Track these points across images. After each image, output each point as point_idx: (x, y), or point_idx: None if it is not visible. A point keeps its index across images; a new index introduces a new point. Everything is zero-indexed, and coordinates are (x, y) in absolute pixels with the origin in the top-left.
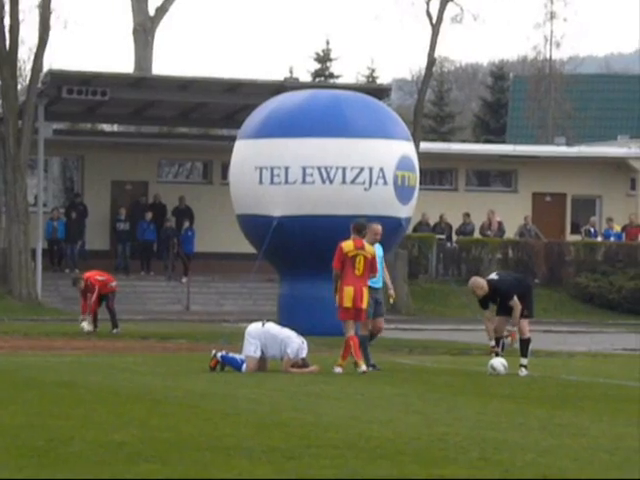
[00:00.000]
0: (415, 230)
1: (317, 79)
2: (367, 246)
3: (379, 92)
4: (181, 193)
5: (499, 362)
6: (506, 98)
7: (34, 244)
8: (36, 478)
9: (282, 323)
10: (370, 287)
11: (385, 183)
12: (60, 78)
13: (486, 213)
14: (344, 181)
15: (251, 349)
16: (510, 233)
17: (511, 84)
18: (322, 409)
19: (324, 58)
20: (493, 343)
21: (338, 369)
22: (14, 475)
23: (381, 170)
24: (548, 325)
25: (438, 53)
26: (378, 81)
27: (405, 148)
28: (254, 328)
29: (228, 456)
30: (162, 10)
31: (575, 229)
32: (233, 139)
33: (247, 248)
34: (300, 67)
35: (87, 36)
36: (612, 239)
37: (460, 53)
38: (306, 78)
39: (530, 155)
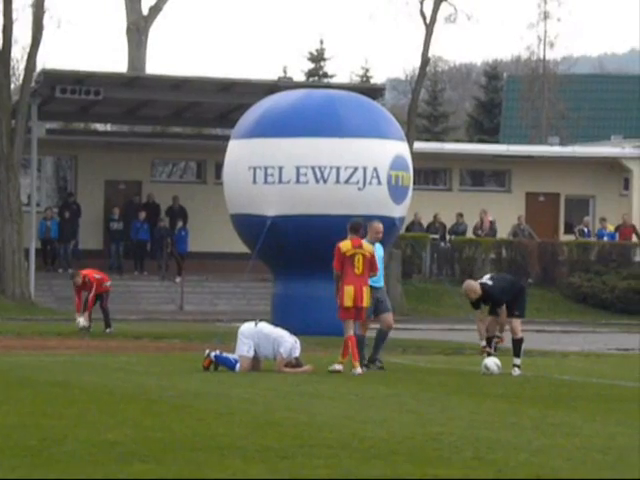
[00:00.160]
0: (408, 230)
1: (311, 79)
2: (365, 245)
3: (373, 92)
4: (175, 193)
5: (493, 362)
6: (500, 98)
7: (27, 244)
8: (29, 478)
9: (276, 323)
10: (371, 286)
11: (379, 183)
12: (53, 77)
13: (479, 213)
14: (338, 181)
15: (244, 349)
16: (503, 233)
17: (505, 84)
18: (316, 409)
19: (318, 58)
20: (484, 343)
21: (338, 366)
22: (7, 475)
23: (375, 170)
24: (541, 325)
25: (432, 53)
26: (372, 81)
27: (399, 148)
28: (247, 328)
29: (222, 456)
30: (155, 9)
31: (568, 229)
32: (227, 139)
33: (241, 248)
34: (294, 67)
35: (80, 35)
36: (605, 239)
37: (454, 53)
38: (300, 78)
39: (524, 155)
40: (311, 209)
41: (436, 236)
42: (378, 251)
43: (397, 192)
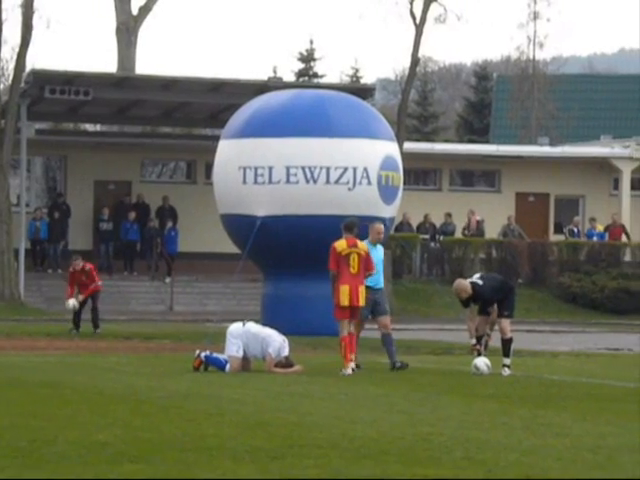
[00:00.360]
0: (397, 230)
1: (301, 79)
2: (360, 244)
3: (363, 92)
4: (164, 193)
5: (483, 362)
6: (489, 98)
7: (17, 244)
8: (19, 478)
9: (266, 323)
10: (369, 287)
11: (369, 183)
12: (43, 78)
13: (467, 213)
14: (328, 181)
15: (233, 349)
16: (493, 233)
17: (494, 84)
18: (306, 409)
19: (308, 58)
20: (474, 341)
21: (348, 369)
22: None
23: (365, 170)
24: (531, 325)
25: (422, 53)
26: (362, 81)
27: (389, 148)
28: (235, 328)
29: (211, 456)
30: (145, 9)
31: (558, 229)
32: (217, 139)
33: (231, 248)
34: (284, 67)
35: (70, 36)
36: (595, 239)
37: (444, 53)
38: (290, 78)
39: (513, 155)
40: (301, 209)
41: (426, 236)
42: (379, 252)
43: (387, 192)
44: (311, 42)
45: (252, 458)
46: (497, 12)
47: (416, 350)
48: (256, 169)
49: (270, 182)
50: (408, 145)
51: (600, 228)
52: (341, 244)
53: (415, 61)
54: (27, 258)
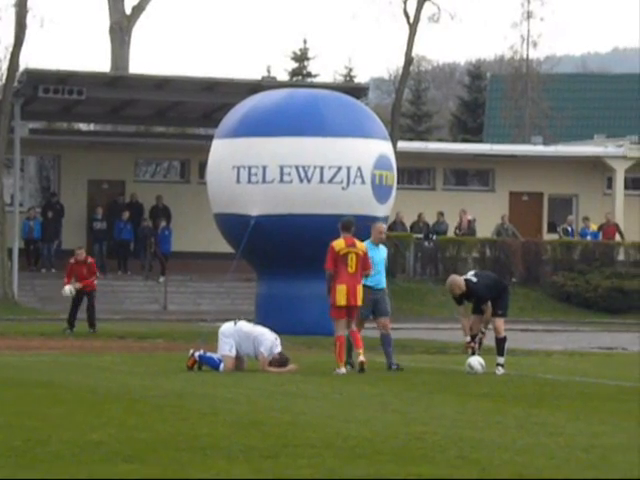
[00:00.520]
0: (390, 229)
1: (294, 78)
2: (358, 243)
3: (357, 91)
4: (158, 192)
5: (477, 361)
6: (483, 97)
7: (10, 244)
8: (13, 478)
9: (260, 322)
10: (370, 287)
11: (363, 182)
12: (36, 77)
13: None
14: (322, 180)
15: (226, 348)
16: (487, 232)
17: (488, 83)
18: (300, 408)
19: (301, 57)
20: (469, 339)
21: (360, 357)
22: None
23: (359, 169)
24: (525, 324)
25: (415, 52)
26: (356, 80)
27: (383, 147)
28: (227, 327)
29: (205, 455)
30: (139, 9)
31: (552, 228)
32: (210, 138)
33: (225, 247)
34: (277, 66)
35: (63, 35)
36: (589, 238)
37: (437, 52)
38: (283, 77)
39: (507, 154)
40: (295, 209)
41: (420, 235)
42: (381, 252)
43: (381, 191)
44: (305, 41)
45: (246, 457)
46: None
47: (410, 349)
48: (250, 168)
49: (264, 181)
50: (402, 144)
51: (594, 227)
52: (339, 244)
53: (409, 60)
54: (21, 258)
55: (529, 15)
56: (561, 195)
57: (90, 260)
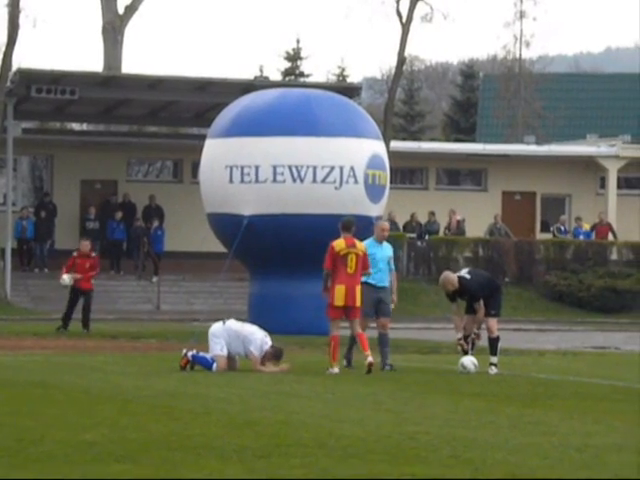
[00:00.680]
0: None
1: (287, 78)
2: (358, 244)
3: (349, 91)
4: (151, 192)
5: (469, 360)
6: (476, 97)
7: (3, 243)
8: (6, 478)
9: (252, 322)
10: (372, 285)
11: (356, 182)
12: (29, 77)
13: (458, 211)
14: (315, 180)
15: (217, 348)
16: (480, 232)
17: (481, 83)
18: (293, 408)
19: (294, 57)
20: (460, 336)
21: (369, 359)
22: None
23: (352, 169)
24: (518, 323)
25: (408, 52)
26: (348, 80)
27: (375, 147)
28: (216, 327)
29: (198, 455)
30: (131, 8)
31: (545, 228)
32: (203, 138)
33: (217, 247)
34: (270, 66)
35: (56, 35)
36: (581, 238)
37: (430, 52)
38: (276, 77)
39: (500, 154)
40: (288, 208)
41: (413, 235)
42: (384, 250)
43: (374, 191)
44: (297, 41)
45: (239, 457)
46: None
47: (403, 349)
48: (242, 168)
49: (257, 181)
50: (395, 144)
51: (586, 227)
52: (339, 244)
53: (401, 60)
54: (14, 257)
55: (522, 15)
56: (554, 195)
57: (93, 255)
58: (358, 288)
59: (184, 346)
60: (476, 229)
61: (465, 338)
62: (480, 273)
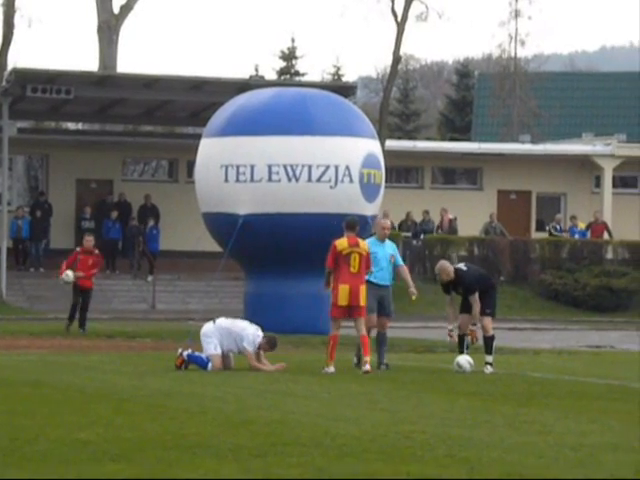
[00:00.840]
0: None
1: (282, 77)
2: (362, 243)
3: (345, 90)
4: (146, 191)
5: (465, 359)
6: (471, 96)
7: None
8: (1, 477)
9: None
10: (374, 284)
11: (351, 181)
12: (24, 76)
13: (454, 210)
14: (310, 179)
15: (211, 347)
16: (475, 231)
17: (476, 82)
18: (288, 407)
19: (289, 56)
20: (451, 327)
21: (366, 366)
22: None
23: (347, 168)
24: (513, 322)
25: (403, 51)
26: (344, 79)
27: (371, 146)
28: (207, 328)
29: (194, 455)
30: (127, 8)
31: (540, 226)
32: (198, 137)
33: (213, 246)
34: (265, 65)
35: (51, 34)
36: (577, 236)
37: (425, 51)
38: (271, 76)
39: (495, 153)
40: (283, 207)
41: (409, 234)
42: (386, 249)
43: (369, 190)
44: (293, 40)
45: (234, 456)
46: (478, 10)
47: (398, 348)
48: (238, 167)
49: (252, 180)
50: (390, 143)
51: (582, 226)
52: (342, 243)
53: (397, 59)
54: (9, 257)
55: (517, 14)
56: (549, 193)
57: (97, 251)
58: (362, 288)
59: (179, 345)
60: (471, 228)
61: (461, 338)
62: (477, 268)
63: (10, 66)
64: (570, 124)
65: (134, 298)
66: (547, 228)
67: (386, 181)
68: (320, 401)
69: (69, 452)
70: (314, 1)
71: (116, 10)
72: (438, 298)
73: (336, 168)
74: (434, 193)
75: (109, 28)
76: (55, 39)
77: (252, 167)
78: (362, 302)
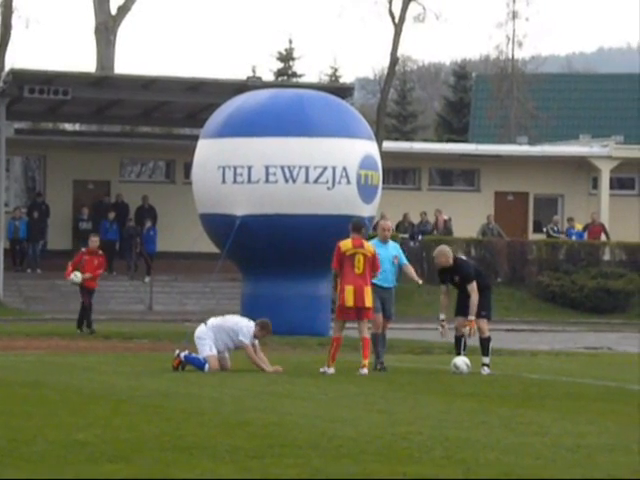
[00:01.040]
0: (374, 229)
1: (280, 78)
2: (367, 244)
3: (342, 91)
4: (144, 192)
5: (462, 361)
6: (468, 97)
7: None
8: None
9: None
10: (377, 285)
11: (348, 182)
12: (22, 77)
13: (451, 212)
14: (307, 180)
15: (206, 349)
16: (472, 232)
17: (473, 83)
18: (286, 409)
19: (287, 57)
20: (442, 317)
21: (363, 370)
22: None
23: (344, 169)
24: (511, 324)
25: (401, 52)
26: (341, 80)
27: (368, 147)
28: (199, 330)
29: (191, 455)
30: (124, 9)
31: (537, 228)
32: (196, 138)
33: (210, 248)
34: (263, 66)
35: (49, 35)
36: (574, 238)
37: (423, 52)
38: (269, 77)
39: (492, 154)
40: (280, 209)
41: (406, 235)
42: (389, 250)
43: (366, 191)
44: (290, 41)
45: (231, 458)
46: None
47: (395, 349)
48: (235, 168)
49: (249, 181)
50: (387, 144)
51: (579, 227)
52: (346, 244)
53: (394, 60)
54: (6, 258)
55: (514, 15)
56: (546, 195)
57: (100, 252)
58: (367, 289)
59: (176, 346)
60: (468, 229)
61: (457, 339)
62: (475, 264)
63: (7, 67)
64: (567, 125)
65: (131, 299)
66: (545, 230)
67: (383, 182)
68: (317, 402)
69: (67, 453)
70: (311, 2)
71: (113, 11)
72: (435, 299)
73: (333, 169)
74: (431, 194)
75: (106, 29)
76: (52, 40)
77: (249, 168)
78: (368, 303)
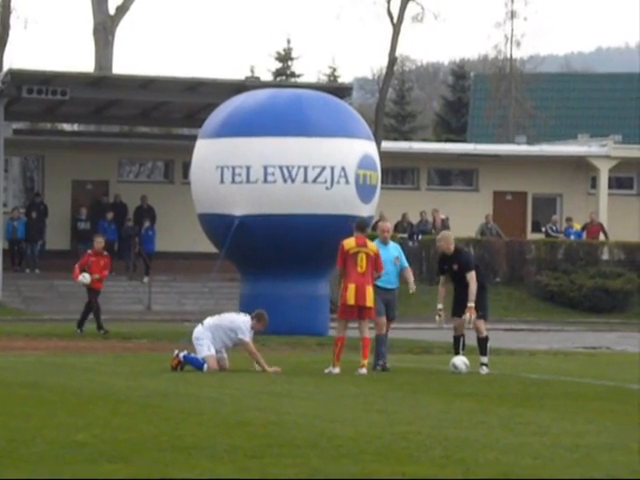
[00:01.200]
0: (373, 229)
1: (278, 78)
2: (370, 244)
3: (340, 91)
4: (142, 192)
5: (461, 360)
6: (467, 97)
7: None
8: None
9: None
10: (380, 287)
11: (347, 182)
12: (20, 77)
13: (450, 211)
14: (306, 180)
15: (204, 349)
16: (471, 232)
17: (472, 83)
18: (285, 408)
19: (285, 57)
20: (440, 306)
21: (362, 370)
22: None
23: (343, 169)
24: (509, 323)
25: (399, 52)
26: (339, 80)
27: (366, 147)
28: (197, 331)
29: (190, 455)
30: (122, 9)
31: (536, 228)
32: (194, 138)
33: (209, 248)
34: (261, 66)
35: (47, 35)
36: (572, 237)
37: (421, 52)
38: (267, 77)
39: (491, 154)
40: (279, 209)
41: (405, 235)
42: (390, 251)
43: (365, 191)
44: (288, 41)
45: (230, 457)
46: (474, 11)
47: (394, 349)
48: (234, 168)
49: (248, 181)
50: (386, 144)
51: (577, 227)
52: (349, 243)
53: (392, 60)
54: (5, 258)
55: (513, 15)
56: (545, 195)
57: (106, 253)
58: (369, 288)
59: (175, 346)
60: (467, 229)
61: (456, 339)
62: (475, 260)
63: (6, 67)
64: (566, 125)
65: (130, 299)
66: (544, 229)
67: (382, 182)
68: (316, 402)
69: (66, 453)
70: (310, 2)
71: (112, 11)
72: (433, 299)
73: (332, 169)
74: (430, 194)
75: (105, 29)
76: (51, 40)
77: (248, 168)
78: (369, 303)
